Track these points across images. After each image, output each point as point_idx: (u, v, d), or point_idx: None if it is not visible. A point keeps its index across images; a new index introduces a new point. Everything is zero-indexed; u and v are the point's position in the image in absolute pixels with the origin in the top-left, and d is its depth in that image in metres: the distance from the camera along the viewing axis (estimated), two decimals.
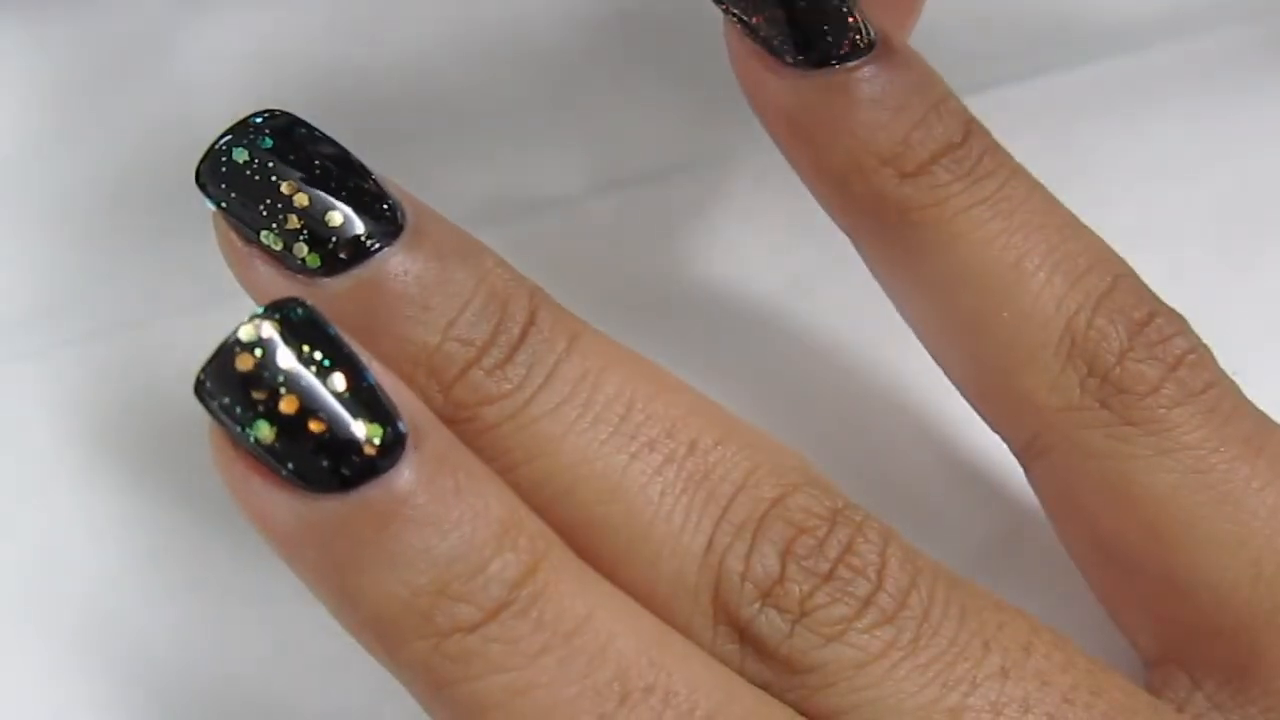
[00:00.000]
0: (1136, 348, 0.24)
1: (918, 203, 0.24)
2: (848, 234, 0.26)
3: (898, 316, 0.26)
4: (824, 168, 0.25)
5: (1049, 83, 0.33)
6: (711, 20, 0.25)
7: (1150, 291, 0.25)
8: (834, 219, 0.26)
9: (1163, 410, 0.23)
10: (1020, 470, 0.25)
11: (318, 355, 0.20)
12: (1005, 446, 0.25)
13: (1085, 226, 0.25)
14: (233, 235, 0.22)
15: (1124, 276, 0.24)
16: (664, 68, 0.33)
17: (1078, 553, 0.25)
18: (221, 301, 0.25)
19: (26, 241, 0.31)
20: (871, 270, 0.26)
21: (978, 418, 0.25)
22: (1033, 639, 0.21)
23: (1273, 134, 0.32)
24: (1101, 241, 0.25)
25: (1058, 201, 0.25)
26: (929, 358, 0.26)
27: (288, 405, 0.19)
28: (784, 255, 0.31)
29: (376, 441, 0.20)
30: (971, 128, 0.25)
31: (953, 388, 0.25)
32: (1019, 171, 0.25)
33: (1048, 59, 0.33)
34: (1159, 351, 0.24)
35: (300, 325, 0.20)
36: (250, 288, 0.23)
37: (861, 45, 0.24)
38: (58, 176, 0.32)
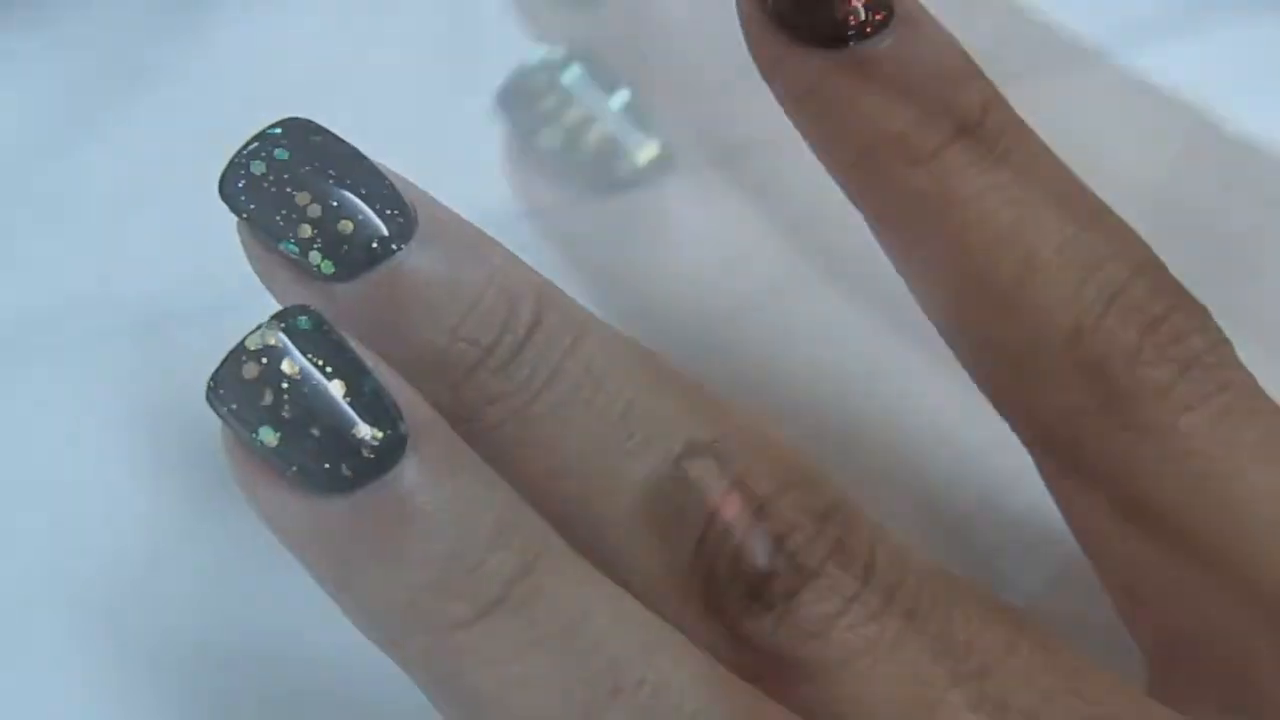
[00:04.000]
0: (1146, 349, 0.23)
1: (926, 190, 0.23)
2: (860, 211, 0.25)
3: (894, 318, 0.26)
4: (834, 150, 0.24)
5: (1049, 82, 0.32)
6: (710, 23, 0.24)
7: (1173, 282, 0.24)
8: (848, 197, 0.25)
9: (1170, 416, 0.23)
10: (1013, 467, 0.25)
11: (321, 361, 0.21)
12: (1006, 451, 0.25)
13: (1107, 210, 0.24)
14: (256, 243, 0.23)
15: (1143, 266, 0.24)
16: (661, 71, 0.33)
17: (1082, 542, 0.25)
18: (230, 304, 0.26)
19: (36, 243, 0.32)
20: (883, 249, 0.25)
21: (975, 419, 0.25)
22: (1017, 639, 0.22)
23: (1273, 134, 0.31)
24: (1124, 227, 0.24)
25: (1080, 184, 0.24)
26: (928, 361, 0.26)
27: (291, 410, 0.20)
28: (780, 259, 0.31)
29: (377, 444, 0.20)
30: (990, 105, 0.24)
31: (950, 391, 0.26)
32: (1040, 154, 0.24)
33: (1047, 59, 0.33)
34: (1172, 352, 0.23)
35: (304, 333, 0.21)
36: (274, 292, 0.24)
37: (877, 19, 0.23)
38: (67, 177, 0.33)
